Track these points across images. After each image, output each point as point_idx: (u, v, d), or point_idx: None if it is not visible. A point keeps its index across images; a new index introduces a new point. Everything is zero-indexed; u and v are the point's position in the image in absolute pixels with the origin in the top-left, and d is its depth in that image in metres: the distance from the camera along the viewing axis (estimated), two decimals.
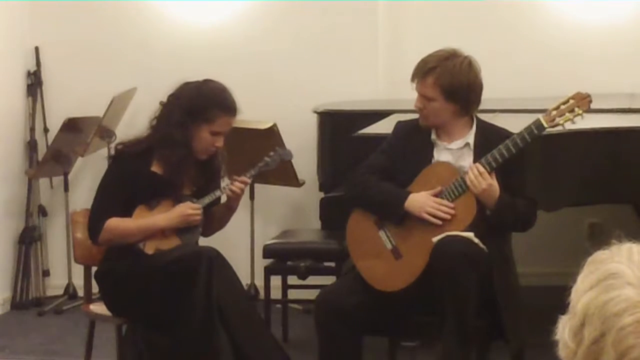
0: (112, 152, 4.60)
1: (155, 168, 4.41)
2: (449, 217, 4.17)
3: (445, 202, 4.19)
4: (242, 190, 4.51)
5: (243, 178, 4.49)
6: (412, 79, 4.24)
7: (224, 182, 4.56)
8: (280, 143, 5.90)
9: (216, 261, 4.22)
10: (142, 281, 4.28)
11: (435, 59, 4.19)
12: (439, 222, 4.17)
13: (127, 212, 4.38)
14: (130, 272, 4.33)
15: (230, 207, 4.54)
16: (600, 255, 1.44)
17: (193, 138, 4.36)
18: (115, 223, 4.35)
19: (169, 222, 4.39)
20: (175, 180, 4.40)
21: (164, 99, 4.49)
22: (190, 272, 4.18)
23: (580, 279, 1.42)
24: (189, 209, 4.39)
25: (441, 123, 4.24)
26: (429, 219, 4.18)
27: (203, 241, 4.60)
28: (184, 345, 4.18)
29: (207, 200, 4.45)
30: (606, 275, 1.39)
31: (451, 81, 4.15)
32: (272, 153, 4.70)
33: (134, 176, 4.38)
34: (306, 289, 5.53)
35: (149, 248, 4.39)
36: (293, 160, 5.73)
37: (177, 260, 4.25)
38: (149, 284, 4.26)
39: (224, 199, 4.60)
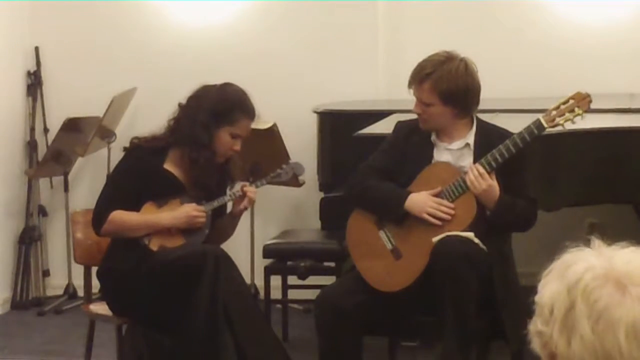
0: (127, 145, 4.58)
1: (168, 166, 4.42)
2: (449, 217, 4.17)
3: (445, 202, 4.20)
4: (250, 200, 4.49)
5: (252, 188, 4.49)
6: (409, 85, 4.24)
7: (233, 189, 4.54)
8: (280, 143, 5.90)
9: (222, 261, 4.22)
10: (145, 279, 4.27)
11: (431, 64, 4.18)
12: (439, 222, 4.17)
13: (134, 207, 4.38)
14: (133, 270, 4.32)
15: (234, 215, 4.53)
16: (555, 262, 1.49)
17: (214, 140, 4.38)
18: (120, 215, 4.35)
19: (173, 222, 4.39)
20: (192, 179, 4.40)
21: (183, 101, 4.48)
22: (196, 271, 4.17)
23: (542, 285, 1.46)
24: (194, 211, 4.39)
25: (441, 126, 4.24)
26: (429, 219, 4.18)
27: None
28: (187, 345, 4.18)
29: (215, 204, 4.45)
30: (564, 266, 1.45)
31: (448, 86, 4.15)
32: (284, 165, 4.70)
33: (146, 170, 4.39)
34: (306, 289, 5.53)
35: (154, 244, 4.39)
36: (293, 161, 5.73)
37: (183, 259, 4.25)
38: (153, 282, 4.25)
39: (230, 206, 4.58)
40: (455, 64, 4.17)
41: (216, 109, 4.37)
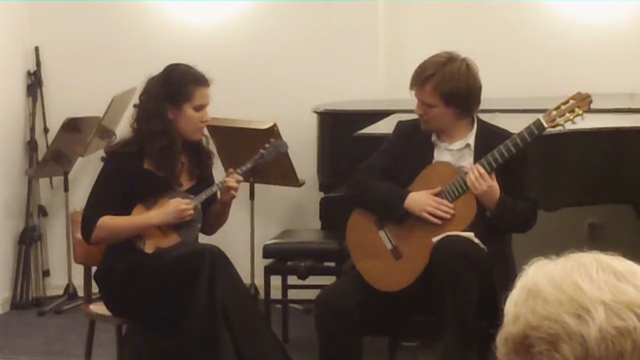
0: (103, 155, 4.62)
1: (147, 166, 4.42)
2: (448, 216, 4.17)
3: (445, 201, 4.20)
4: (236, 186, 4.49)
5: (236, 176, 4.49)
6: (411, 87, 4.23)
7: (220, 179, 4.57)
8: None
9: (219, 259, 4.22)
10: (143, 281, 4.28)
11: (433, 66, 4.18)
12: (439, 221, 4.17)
13: (122, 212, 4.38)
14: (130, 271, 4.33)
15: (224, 203, 4.54)
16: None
17: (180, 122, 4.39)
18: (108, 220, 4.35)
19: (162, 218, 4.39)
20: (167, 171, 4.40)
21: (137, 101, 4.54)
22: (193, 270, 4.18)
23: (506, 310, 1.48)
24: (182, 204, 4.40)
25: (443, 127, 4.24)
26: (429, 218, 4.18)
27: (204, 241, 4.60)
28: (186, 344, 4.18)
29: (203, 196, 4.46)
30: (523, 282, 1.46)
31: (450, 87, 4.15)
32: (267, 145, 4.69)
33: (128, 174, 4.39)
34: (306, 289, 5.53)
35: (149, 247, 4.39)
36: (293, 160, 5.73)
37: (180, 259, 4.25)
38: (151, 283, 4.25)
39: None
40: (457, 65, 4.17)
41: (167, 93, 4.40)
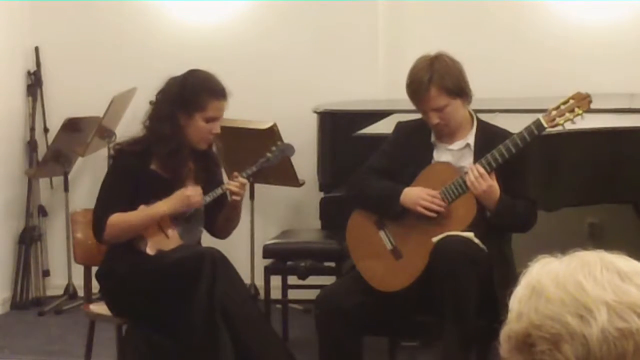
0: (111, 152, 4.59)
1: (154, 167, 4.41)
2: (442, 209, 4.18)
3: (439, 195, 4.20)
4: (242, 189, 4.48)
5: (241, 179, 4.47)
6: (414, 101, 4.23)
7: (226, 181, 4.56)
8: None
9: (220, 262, 4.22)
10: (144, 281, 4.27)
11: (425, 70, 4.19)
12: (433, 215, 4.18)
13: (130, 210, 4.37)
14: (132, 272, 4.32)
15: (233, 206, 4.53)
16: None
17: (189, 129, 4.35)
18: (118, 217, 4.34)
19: (171, 206, 4.36)
20: (173, 174, 4.39)
21: (153, 98, 4.50)
22: (193, 272, 4.17)
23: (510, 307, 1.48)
24: (189, 190, 4.38)
25: (459, 121, 4.25)
26: (423, 212, 4.18)
27: (204, 242, 4.60)
28: (186, 345, 4.18)
29: (208, 198, 4.45)
30: (527, 280, 1.45)
31: (451, 80, 4.18)
32: (273, 148, 4.66)
33: (135, 173, 4.38)
34: (306, 289, 5.53)
35: (151, 249, 4.38)
36: (293, 160, 5.72)
37: (181, 261, 4.24)
38: (151, 284, 4.25)
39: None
40: (442, 59, 4.22)
41: (181, 98, 4.34)
